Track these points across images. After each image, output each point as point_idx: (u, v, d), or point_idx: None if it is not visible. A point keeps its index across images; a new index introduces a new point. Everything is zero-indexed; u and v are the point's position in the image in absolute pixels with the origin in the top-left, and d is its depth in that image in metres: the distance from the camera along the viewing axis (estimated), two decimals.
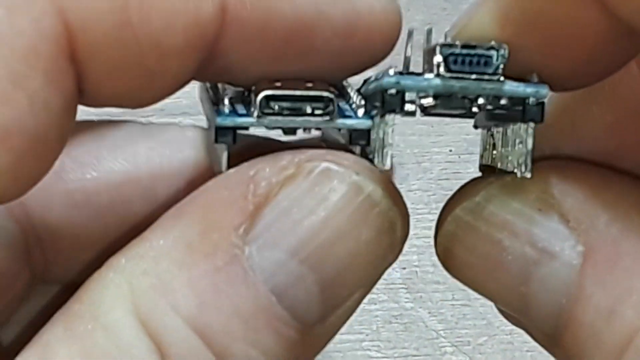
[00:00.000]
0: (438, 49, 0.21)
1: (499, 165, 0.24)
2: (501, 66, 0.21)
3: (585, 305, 0.21)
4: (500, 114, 0.22)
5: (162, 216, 0.22)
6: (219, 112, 0.22)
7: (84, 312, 0.20)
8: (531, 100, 0.21)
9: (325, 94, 0.21)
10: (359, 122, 0.22)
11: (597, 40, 0.20)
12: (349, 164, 0.22)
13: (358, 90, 0.23)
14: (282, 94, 0.21)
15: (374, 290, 0.41)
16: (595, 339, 0.21)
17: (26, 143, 0.20)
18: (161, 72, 0.21)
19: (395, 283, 0.46)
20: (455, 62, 0.21)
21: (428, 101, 0.21)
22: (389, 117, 0.21)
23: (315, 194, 0.21)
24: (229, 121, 0.22)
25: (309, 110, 0.21)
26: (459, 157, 0.51)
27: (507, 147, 0.23)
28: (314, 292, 0.21)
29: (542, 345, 0.24)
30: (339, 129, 0.22)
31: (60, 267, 0.25)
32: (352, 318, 0.44)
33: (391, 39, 0.23)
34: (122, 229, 0.24)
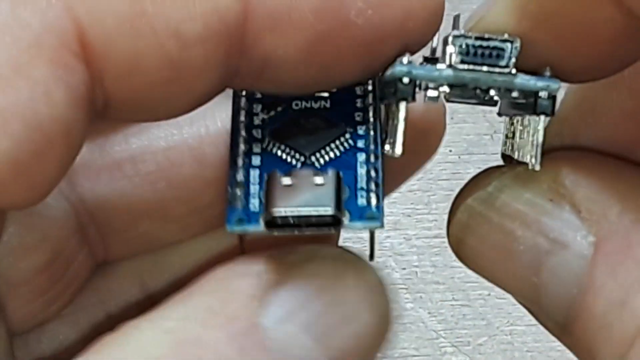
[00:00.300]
0: (451, 39, 0.21)
1: (515, 155, 0.24)
2: (513, 59, 0.21)
3: (596, 295, 0.21)
4: (520, 103, 0.22)
5: (175, 294, 0.22)
6: (228, 215, 0.22)
7: None
8: (543, 93, 0.21)
9: (329, 211, 0.21)
10: (367, 224, 0.22)
11: (613, 37, 0.20)
12: (355, 253, 0.22)
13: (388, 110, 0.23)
14: (286, 215, 0.21)
15: None
16: (606, 329, 0.21)
17: (25, 130, 0.19)
18: (186, 64, 0.21)
19: (395, 283, 0.46)
20: (467, 53, 0.21)
21: (442, 90, 0.21)
22: (402, 105, 0.21)
23: (326, 275, 0.22)
24: (239, 229, 0.22)
25: (314, 223, 0.21)
26: (459, 157, 0.51)
27: (523, 137, 0.23)
28: None
29: (554, 334, 0.24)
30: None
31: (120, 243, 0.25)
32: None
33: (433, 11, 0.22)
34: (175, 193, 0.24)
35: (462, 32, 0.21)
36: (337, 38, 0.21)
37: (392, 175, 0.23)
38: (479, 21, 0.22)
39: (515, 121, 0.24)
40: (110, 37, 0.20)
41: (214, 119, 0.24)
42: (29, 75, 0.19)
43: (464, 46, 0.21)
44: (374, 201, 0.22)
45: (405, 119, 0.21)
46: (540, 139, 0.22)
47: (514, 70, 0.21)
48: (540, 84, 0.21)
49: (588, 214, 0.22)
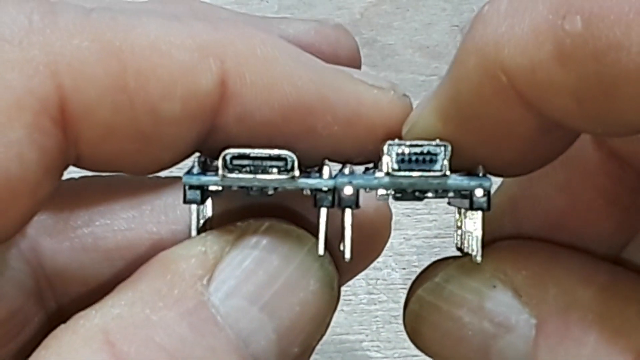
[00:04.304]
0: (386, 149, 0.22)
1: (463, 247, 0.25)
2: (446, 162, 0.22)
3: None
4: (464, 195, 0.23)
5: (123, 281, 0.22)
6: (187, 173, 0.23)
7: (49, 354, 0.21)
8: (477, 191, 0.22)
9: (286, 153, 0.22)
10: (321, 181, 0.23)
11: (528, 136, 0.21)
12: (289, 224, 0.23)
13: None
14: (244, 152, 0.22)
15: (374, 290, 0.40)
16: None
17: None
18: (158, 139, 0.22)
19: (395, 283, 0.47)
20: (403, 160, 0.22)
21: (383, 192, 0.23)
22: (347, 213, 0.23)
23: (264, 246, 0.23)
24: (195, 179, 0.23)
25: (270, 169, 0.22)
26: None
27: (467, 228, 0.24)
28: (272, 341, 0.22)
29: None
30: (302, 189, 0.23)
31: (73, 310, 0.25)
32: (352, 318, 0.44)
33: (399, 131, 0.24)
34: (131, 272, 0.24)
35: (397, 140, 0.22)
36: (299, 142, 0.23)
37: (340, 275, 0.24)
38: (410, 128, 0.23)
39: (462, 212, 0.25)
40: (90, 108, 0.21)
41: (174, 207, 0.25)
42: (4, 135, 0.20)
43: (399, 154, 0.22)
44: (326, 174, 0.23)
45: (352, 226, 0.23)
46: (479, 233, 0.23)
47: (448, 172, 0.22)
48: (472, 183, 0.22)
49: (528, 297, 0.23)
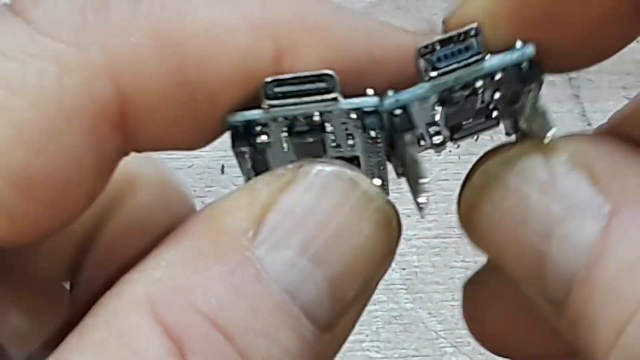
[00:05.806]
0: (417, 54, 0.21)
1: (526, 129, 0.24)
2: (482, 47, 0.21)
3: (606, 261, 0.21)
4: (513, 100, 0.22)
5: (167, 236, 0.22)
6: (230, 112, 0.22)
7: (98, 322, 0.21)
8: (524, 65, 0.21)
9: (327, 71, 0.21)
10: (365, 100, 0.22)
11: (602, 17, 0.20)
12: (341, 163, 0.22)
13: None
14: (284, 77, 0.21)
15: None
16: (614, 294, 0.21)
17: (50, 195, 0.20)
18: (214, 124, 0.22)
19: (394, 284, 0.46)
20: (439, 59, 0.21)
21: (439, 137, 0.23)
22: (407, 138, 0.22)
23: (314, 193, 0.22)
24: (239, 116, 0.22)
25: (312, 89, 0.21)
26: (459, 157, 0.51)
27: (532, 125, 0.23)
28: (323, 290, 0.21)
29: (546, 317, 0.23)
30: (347, 112, 0.22)
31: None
32: None
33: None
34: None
35: (424, 43, 0.21)
36: None
37: None
38: (455, 11, 0.22)
39: (521, 126, 0.24)
40: (151, 108, 0.21)
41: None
42: (63, 142, 0.20)
43: (432, 55, 0.21)
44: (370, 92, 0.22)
45: (419, 158, 0.22)
46: (544, 105, 0.22)
47: (487, 55, 0.21)
48: (515, 54, 0.21)
49: (605, 184, 0.22)
